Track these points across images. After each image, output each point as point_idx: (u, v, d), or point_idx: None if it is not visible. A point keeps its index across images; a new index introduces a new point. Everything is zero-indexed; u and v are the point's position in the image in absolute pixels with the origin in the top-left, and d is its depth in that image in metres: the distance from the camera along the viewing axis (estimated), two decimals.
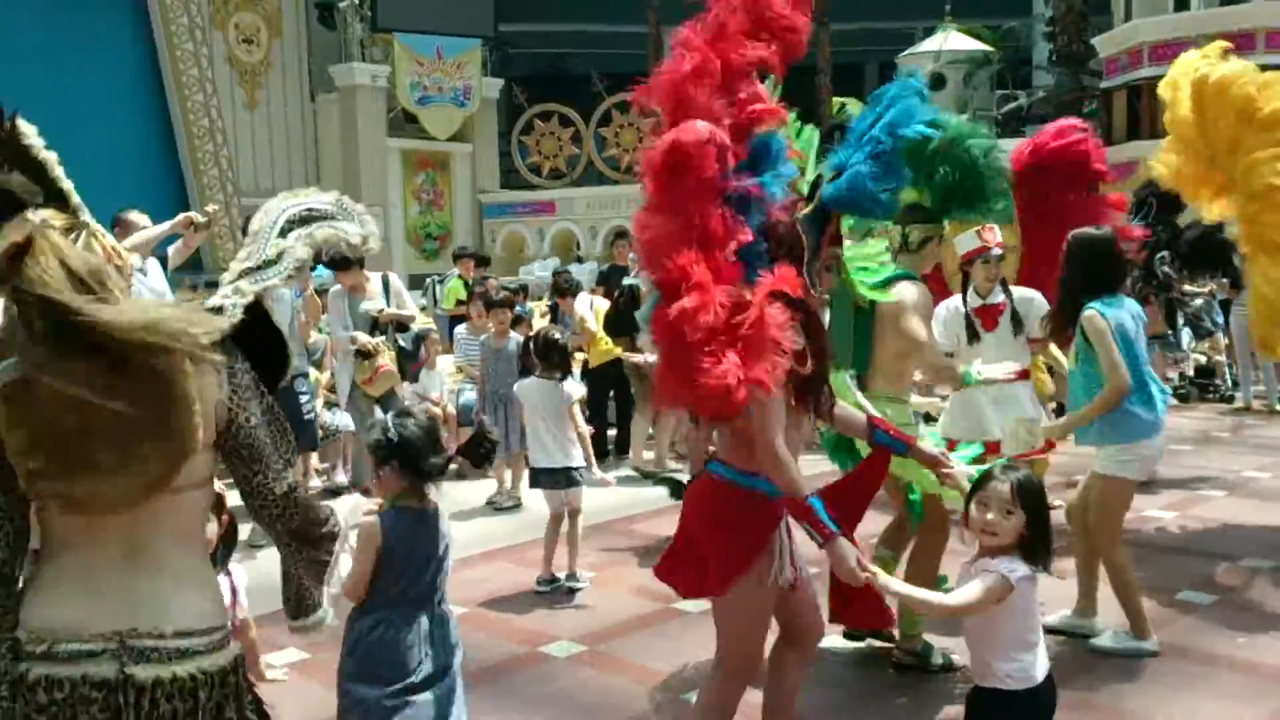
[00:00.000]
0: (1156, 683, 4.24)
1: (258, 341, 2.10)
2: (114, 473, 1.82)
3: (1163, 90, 6.21)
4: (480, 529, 6.78)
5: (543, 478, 5.68)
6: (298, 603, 2.26)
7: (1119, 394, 4.26)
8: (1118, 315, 4.33)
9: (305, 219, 2.17)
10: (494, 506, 7.31)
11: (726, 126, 3.08)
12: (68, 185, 2.00)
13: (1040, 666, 2.79)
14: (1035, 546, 2.77)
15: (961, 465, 3.93)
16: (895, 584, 2.85)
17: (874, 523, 4.53)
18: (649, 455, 8.50)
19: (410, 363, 7.63)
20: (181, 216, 5.96)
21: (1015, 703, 2.77)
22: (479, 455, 3.21)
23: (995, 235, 4.96)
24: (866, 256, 4.23)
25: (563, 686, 4.37)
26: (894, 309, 4.12)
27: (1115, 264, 4.51)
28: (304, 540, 2.17)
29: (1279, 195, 5.54)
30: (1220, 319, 10.53)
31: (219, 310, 2.02)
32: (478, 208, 22.73)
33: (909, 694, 4.20)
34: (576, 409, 5.75)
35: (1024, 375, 5.10)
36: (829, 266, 3.28)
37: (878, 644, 4.52)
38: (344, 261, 7.28)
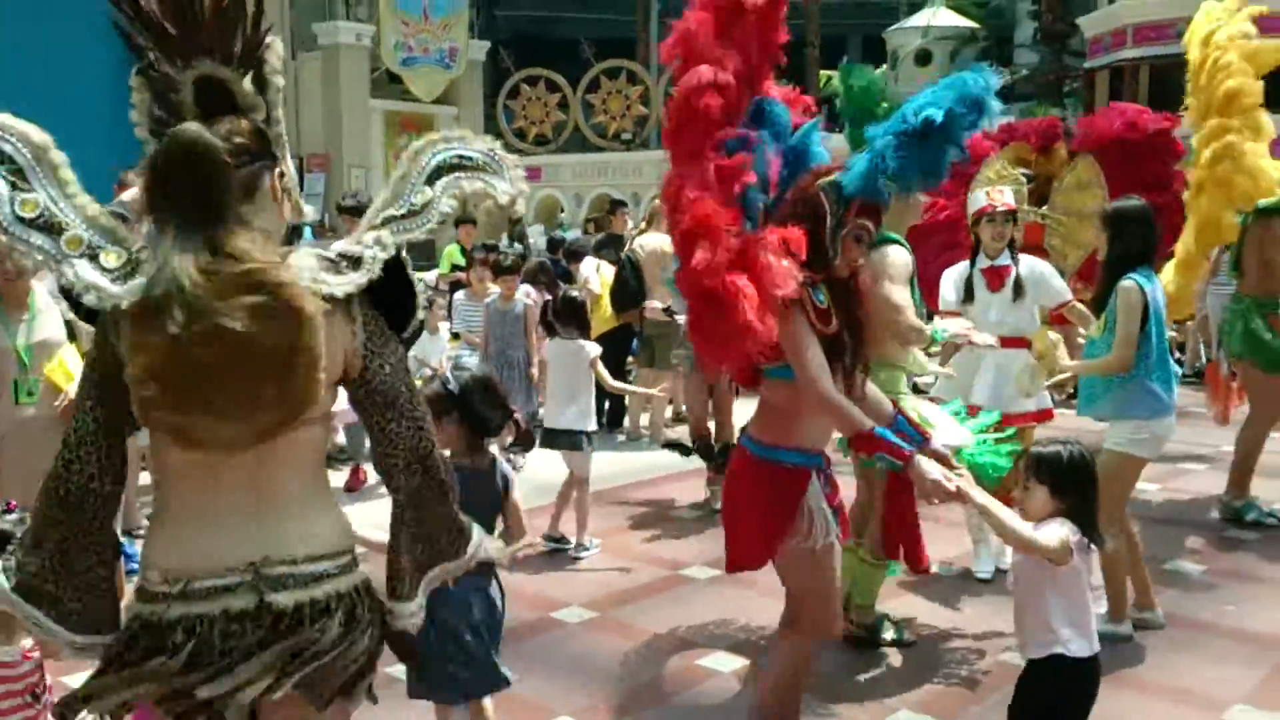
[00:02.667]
0: (1151, 649, 4.40)
1: (385, 289, 2.04)
2: (228, 415, 1.80)
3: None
4: None
5: (550, 438, 5.79)
6: (391, 583, 2.16)
7: (1120, 369, 4.31)
8: (1154, 291, 4.34)
9: (455, 166, 2.08)
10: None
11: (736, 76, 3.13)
12: (276, 114, 1.98)
13: (1095, 638, 2.87)
14: (1080, 520, 2.81)
15: (966, 433, 4.05)
16: (983, 497, 2.84)
17: None
18: (644, 421, 8.61)
19: None
20: None
21: (1076, 670, 2.82)
22: (523, 445, 3.24)
23: (1003, 196, 5.06)
24: None
25: (578, 651, 4.47)
26: (872, 277, 4.18)
27: (1153, 235, 4.50)
28: (420, 506, 2.10)
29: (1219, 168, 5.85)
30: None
31: (358, 260, 1.97)
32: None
33: (876, 670, 4.35)
34: (600, 365, 5.85)
35: (1021, 344, 5.13)
36: (858, 237, 3.21)
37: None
38: (354, 210, 7.43)
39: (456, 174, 2.08)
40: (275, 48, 1.96)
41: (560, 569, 5.49)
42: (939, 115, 3.17)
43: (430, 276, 10.62)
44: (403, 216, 2.03)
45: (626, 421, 8.64)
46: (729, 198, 3.03)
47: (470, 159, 2.09)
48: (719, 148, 3.06)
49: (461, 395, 3.04)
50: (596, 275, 8.41)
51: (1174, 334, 9.40)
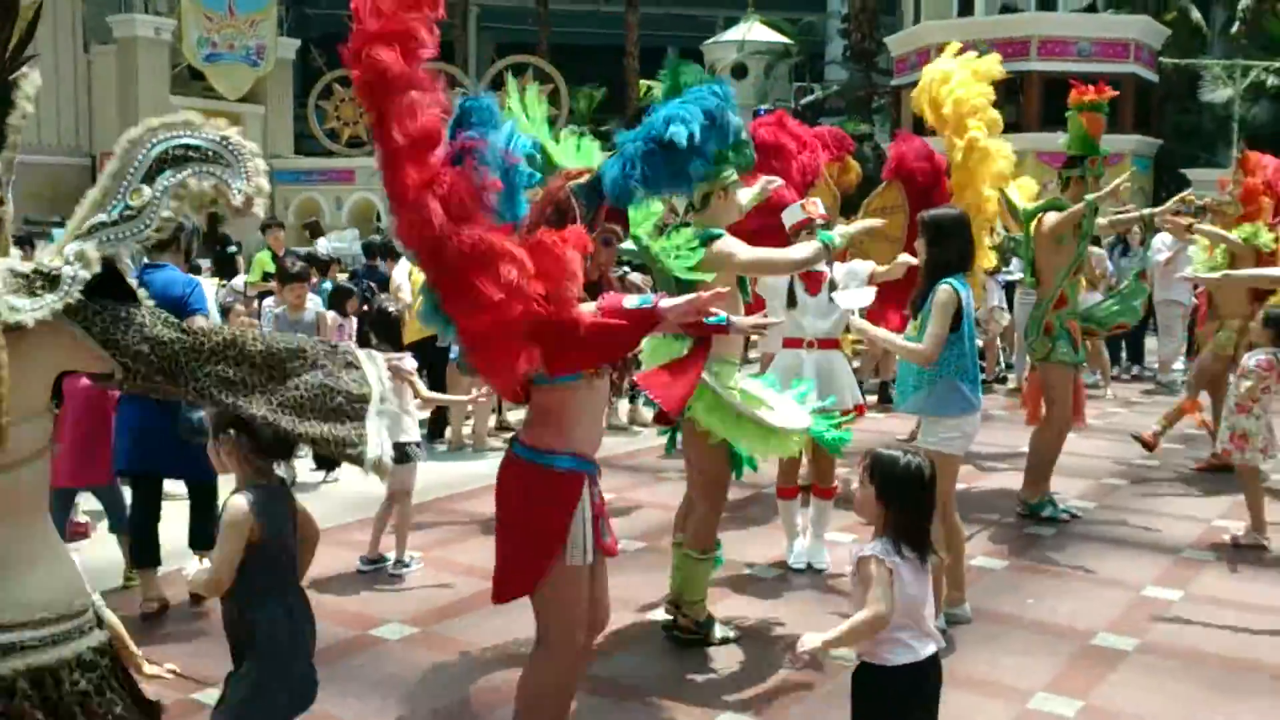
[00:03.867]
0: (960, 642, 4.56)
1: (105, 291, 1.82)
2: None
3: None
4: None
5: None
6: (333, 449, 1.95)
7: (925, 360, 4.46)
8: (967, 297, 4.53)
9: (180, 159, 1.82)
10: (302, 488, 7.05)
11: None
12: (14, 139, 1.76)
13: (928, 645, 2.82)
14: (900, 529, 2.77)
15: (805, 414, 4.32)
16: (830, 636, 2.77)
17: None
18: (467, 430, 8.45)
19: None
20: None
21: (898, 678, 2.80)
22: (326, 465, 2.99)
23: (818, 208, 5.27)
24: (678, 246, 4.23)
25: (397, 669, 4.32)
26: (713, 268, 4.21)
27: (968, 243, 4.72)
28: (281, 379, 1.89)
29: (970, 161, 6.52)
30: (1004, 304, 11.31)
31: (55, 279, 1.72)
32: (269, 173, 21.84)
33: (725, 668, 4.38)
34: (416, 378, 5.67)
35: (836, 345, 5.55)
36: (606, 240, 3.23)
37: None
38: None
39: (182, 168, 1.82)
40: (34, 78, 1.76)
41: (380, 586, 5.30)
42: (683, 133, 3.22)
43: (238, 282, 10.18)
44: (114, 223, 1.78)
45: (448, 431, 8.45)
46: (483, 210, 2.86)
47: (198, 148, 1.84)
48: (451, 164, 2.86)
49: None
50: (408, 281, 8.15)
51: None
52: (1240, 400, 5.83)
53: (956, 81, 6.85)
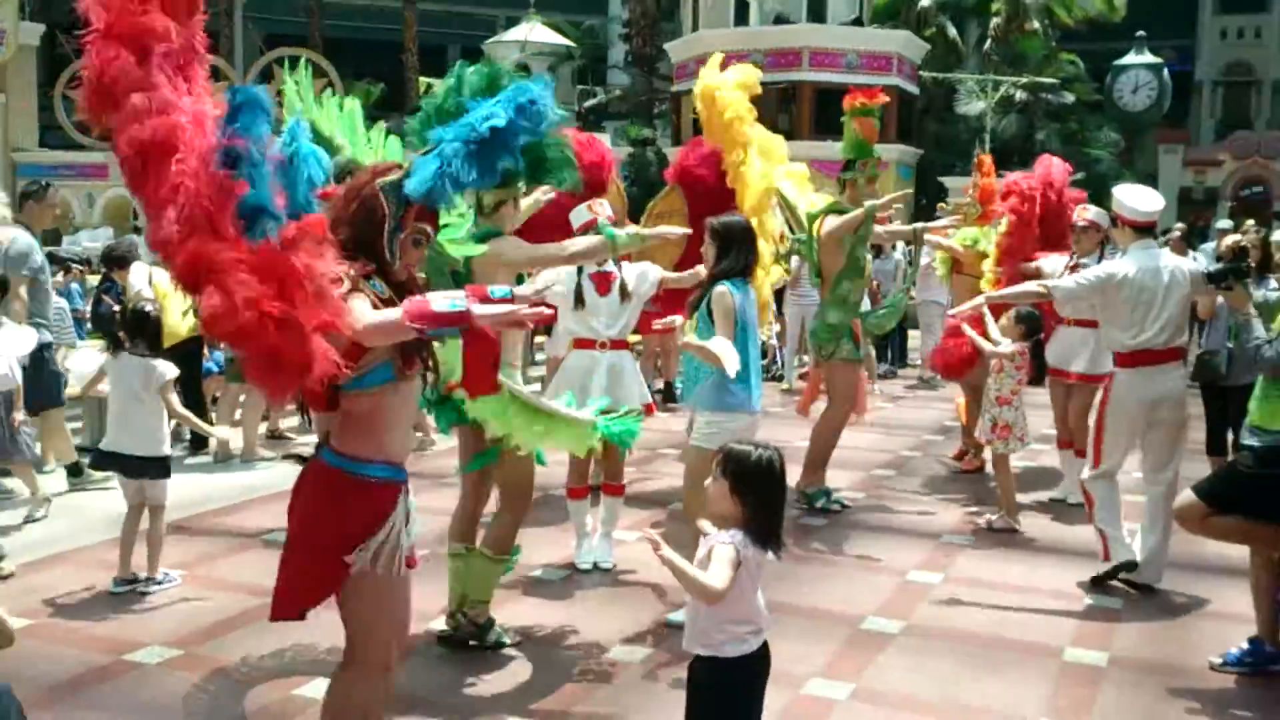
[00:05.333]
0: None
1: None
2: None
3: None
4: (37, 533, 6.03)
5: (125, 465, 5.17)
6: None
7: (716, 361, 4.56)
8: (744, 300, 4.62)
9: None
10: (32, 520, 6.24)
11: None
12: None
13: (760, 637, 2.89)
14: (754, 524, 2.81)
15: (587, 413, 4.34)
16: (676, 559, 2.75)
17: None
18: (236, 441, 8.01)
19: None
20: None
21: (737, 669, 2.85)
22: None
23: (604, 209, 5.27)
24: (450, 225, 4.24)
25: (156, 694, 4.03)
26: (492, 260, 4.18)
27: (753, 250, 4.82)
28: None
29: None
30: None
31: None
32: (11, 167, 20.14)
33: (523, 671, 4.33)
34: (171, 392, 5.30)
35: (626, 345, 5.60)
36: (417, 241, 3.12)
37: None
38: None
39: None
40: None
41: (135, 607, 4.92)
42: (501, 118, 3.27)
43: None
44: None
45: (213, 442, 7.95)
46: (227, 220, 2.68)
47: None
48: (212, 164, 2.68)
49: None
50: (150, 287, 7.58)
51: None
52: (1001, 393, 6.21)
53: (728, 93, 6.65)
